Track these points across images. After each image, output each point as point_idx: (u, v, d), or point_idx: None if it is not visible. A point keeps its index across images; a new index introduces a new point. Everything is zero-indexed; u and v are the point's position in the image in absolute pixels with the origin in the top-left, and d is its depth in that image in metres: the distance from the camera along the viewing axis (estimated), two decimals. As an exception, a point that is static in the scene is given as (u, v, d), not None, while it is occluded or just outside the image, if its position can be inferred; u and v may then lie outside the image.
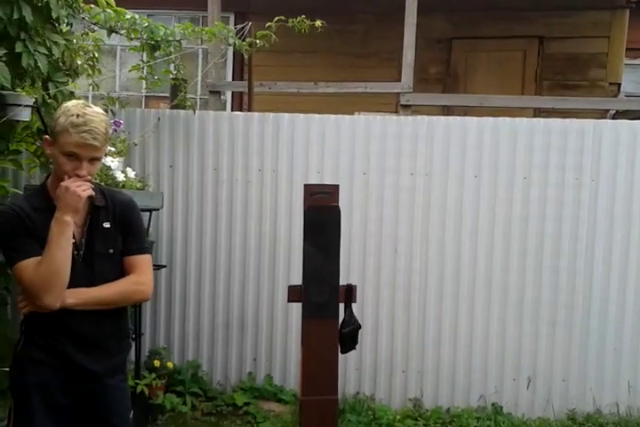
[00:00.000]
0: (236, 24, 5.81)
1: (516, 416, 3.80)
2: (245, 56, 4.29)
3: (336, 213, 2.89)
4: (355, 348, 3.03)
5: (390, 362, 3.92)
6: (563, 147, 3.83)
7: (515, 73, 6.40)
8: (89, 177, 1.90)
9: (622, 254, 3.82)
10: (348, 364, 3.85)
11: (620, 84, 6.39)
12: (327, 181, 3.82)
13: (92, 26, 3.52)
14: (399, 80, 5.02)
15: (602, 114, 5.62)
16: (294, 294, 2.96)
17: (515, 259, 3.85)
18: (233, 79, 6.73)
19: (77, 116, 1.83)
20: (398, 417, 3.73)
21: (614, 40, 6.19)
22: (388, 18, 5.73)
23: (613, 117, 5.61)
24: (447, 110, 5.94)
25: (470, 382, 3.89)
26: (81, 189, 1.84)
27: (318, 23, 3.91)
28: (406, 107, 5.01)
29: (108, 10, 3.31)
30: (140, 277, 1.99)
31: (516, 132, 3.86)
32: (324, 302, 2.89)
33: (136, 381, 3.44)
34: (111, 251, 1.97)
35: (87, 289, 1.89)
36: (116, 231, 1.99)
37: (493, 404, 3.84)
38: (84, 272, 1.90)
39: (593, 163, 3.82)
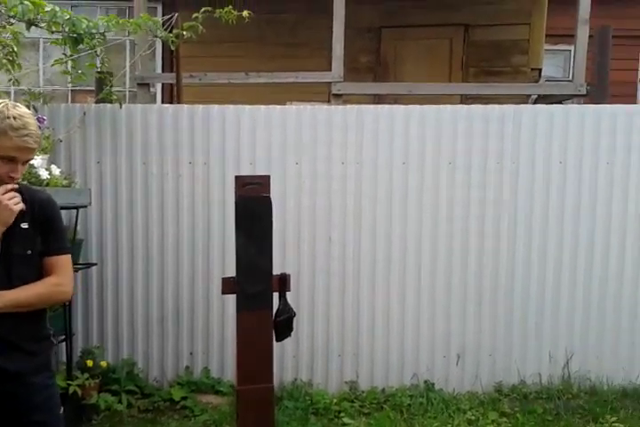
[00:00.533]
0: (164, 14, 5.71)
1: (447, 391, 3.95)
2: (172, 48, 4.24)
3: (267, 203, 2.92)
4: (290, 335, 3.09)
5: (327, 347, 4.00)
6: (485, 132, 3.96)
7: (442, 60, 6.54)
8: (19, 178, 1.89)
9: (541, 233, 3.98)
10: (285, 351, 3.91)
11: (540, 70, 6.63)
12: (260, 172, 3.84)
13: (10, 19, 3.41)
14: (331, 69, 5.05)
15: (524, 99, 5.83)
16: (228, 285, 2.98)
17: (442, 242, 3.97)
18: (163, 71, 6.60)
19: (14, 118, 1.80)
20: (335, 400, 3.81)
21: (535, 27, 6.38)
22: (318, 7, 5.74)
23: (535, 102, 5.84)
24: (378, 99, 6.03)
25: (403, 361, 4.01)
26: (12, 202, 1.83)
27: (245, 13, 3.88)
28: (337, 96, 5.04)
29: (26, 2, 3.17)
30: (59, 279, 1.96)
31: (441, 119, 3.96)
32: (258, 292, 2.94)
33: (68, 382, 3.35)
34: (29, 252, 1.93)
35: (4, 292, 1.85)
36: (35, 232, 1.95)
37: (425, 381, 3.97)
38: (1, 275, 1.87)
39: (513, 147, 3.97)
